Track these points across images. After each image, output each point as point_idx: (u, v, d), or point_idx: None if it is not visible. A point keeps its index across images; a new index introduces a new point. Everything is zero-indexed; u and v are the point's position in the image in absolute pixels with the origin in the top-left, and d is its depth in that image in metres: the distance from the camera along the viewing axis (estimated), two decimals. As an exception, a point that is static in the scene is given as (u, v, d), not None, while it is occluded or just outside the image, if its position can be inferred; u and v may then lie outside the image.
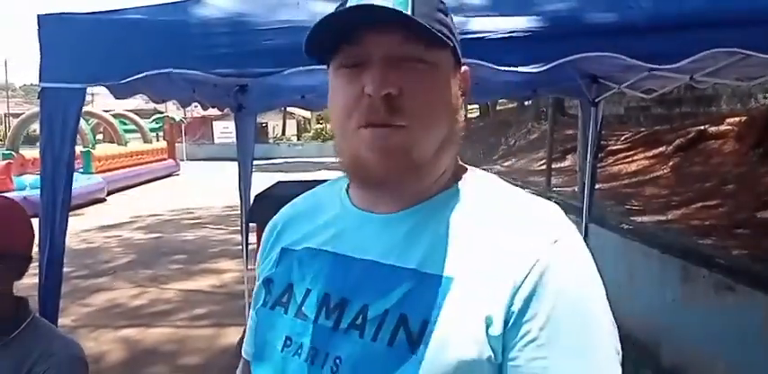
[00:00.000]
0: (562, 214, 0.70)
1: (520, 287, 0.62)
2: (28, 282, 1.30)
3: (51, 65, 1.87)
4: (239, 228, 4.65)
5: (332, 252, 0.73)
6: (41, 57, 1.86)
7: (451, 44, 0.69)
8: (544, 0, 1.82)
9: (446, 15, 0.70)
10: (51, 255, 1.90)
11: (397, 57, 0.65)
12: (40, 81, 1.86)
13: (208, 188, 13.00)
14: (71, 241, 6.99)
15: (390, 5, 0.63)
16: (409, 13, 0.63)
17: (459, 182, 0.73)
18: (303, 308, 0.71)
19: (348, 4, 0.66)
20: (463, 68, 0.75)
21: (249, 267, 4.45)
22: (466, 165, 0.77)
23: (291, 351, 0.70)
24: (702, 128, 7.60)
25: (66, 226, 1.95)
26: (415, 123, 0.66)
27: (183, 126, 21.78)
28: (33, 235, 1.30)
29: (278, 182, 2.65)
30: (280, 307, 0.75)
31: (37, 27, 1.85)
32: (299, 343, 0.70)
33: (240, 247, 4.90)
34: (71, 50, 1.87)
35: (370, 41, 0.65)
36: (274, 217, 0.87)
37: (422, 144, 0.67)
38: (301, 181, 2.94)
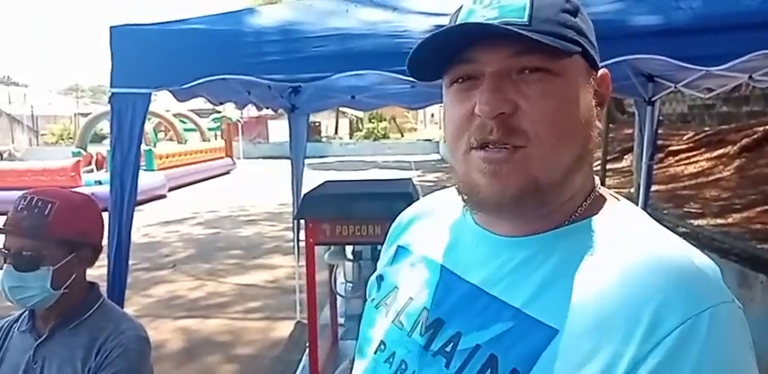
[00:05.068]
0: (720, 278, 0.56)
1: (635, 366, 0.50)
2: (96, 273, 1.42)
3: (121, 71, 2.01)
4: (291, 225, 4.81)
5: (442, 265, 0.70)
6: (112, 65, 2.01)
7: (578, 49, 0.60)
8: (589, 2, 1.82)
9: (574, 15, 0.62)
10: (119, 247, 2.05)
11: (512, 69, 0.59)
12: (110, 86, 2.01)
13: (263, 185, 13.31)
14: (134, 235, 7.31)
15: (496, 22, 0.57)
16: (526, 19, 0.57)
17: (595, 216, 0.63)
18: (401, 316, 0.70)
19: (454, 23, 0.61)
20: (601, 71, 0.66)
21: (300, 264, 4.60)
22: (608, 192, 0.67)
23: (383, 357, 0.69)
24: (770, 127, 7.26)
25: (132, 219, 2.09)
26: (537, 143, 0.58)
27: (240, 125, 22.37)
28: (104, 228, 1.44)
29: (325, 182, 2.73)
30: (383, 307, 0.74)
31: (109, 37, 2.01)
32: (391, 351, 0.68)
33: (291, 244, 5.07)
34: (138, 58, 2.02)
35: (479, 58, 0.59)
36: (403, 211, 0.84)
37: (546, 166, 0.59)
38: (349, 180, 3.01)
